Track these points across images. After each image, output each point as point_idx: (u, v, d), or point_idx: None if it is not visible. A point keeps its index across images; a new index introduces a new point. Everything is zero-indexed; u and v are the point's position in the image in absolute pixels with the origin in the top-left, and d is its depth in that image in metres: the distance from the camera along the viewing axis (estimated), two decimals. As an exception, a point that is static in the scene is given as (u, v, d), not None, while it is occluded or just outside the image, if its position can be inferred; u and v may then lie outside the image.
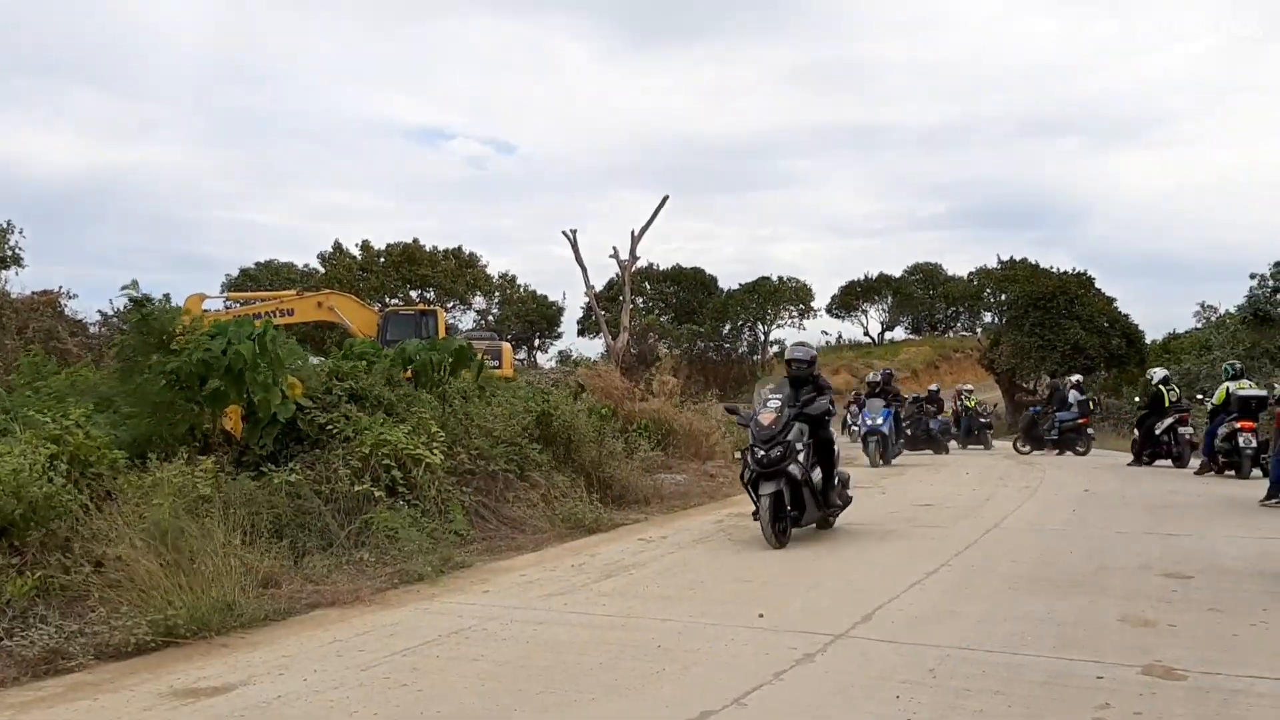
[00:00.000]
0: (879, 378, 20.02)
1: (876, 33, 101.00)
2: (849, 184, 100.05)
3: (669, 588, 6.76)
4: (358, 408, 9.35)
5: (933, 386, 28.94)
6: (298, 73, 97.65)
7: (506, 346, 28.54)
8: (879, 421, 18.12)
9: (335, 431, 8.80)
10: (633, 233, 28.10)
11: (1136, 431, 18.69)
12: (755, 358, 51.01)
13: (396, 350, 11.50)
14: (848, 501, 9.59)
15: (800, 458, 8.48)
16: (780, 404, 8.77)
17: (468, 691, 4.47)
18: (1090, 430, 22.15)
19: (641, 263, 49.46)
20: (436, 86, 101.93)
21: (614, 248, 27.10)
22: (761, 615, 5.82)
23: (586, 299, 37.08)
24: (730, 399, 43.45)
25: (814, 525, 9.10)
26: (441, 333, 27.58)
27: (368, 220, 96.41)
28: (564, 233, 29.78)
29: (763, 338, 51.28)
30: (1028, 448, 22.87)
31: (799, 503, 8.56)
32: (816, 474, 8.80)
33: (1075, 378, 23.66)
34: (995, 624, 5.60)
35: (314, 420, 8.95)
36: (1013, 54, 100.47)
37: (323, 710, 4.26)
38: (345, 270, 47.60)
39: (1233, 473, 14.61)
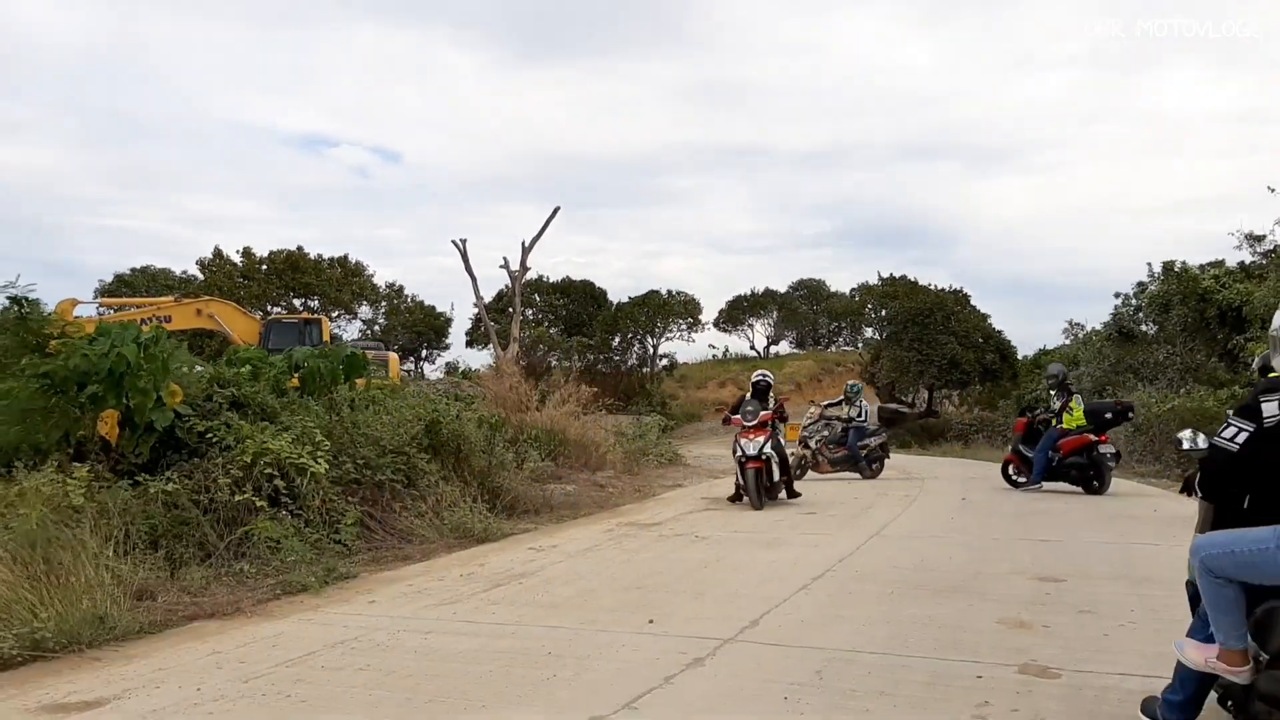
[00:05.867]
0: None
1: (758, 54, 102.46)
2: (733, 202, 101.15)
3: (559, 596, 6.75)
4: (240, 416, 9.11)
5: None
6: (176, 76, 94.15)
7: (393, 356, 28.11)
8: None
9: (215, 440, 8.55)
10: (523, 243, 27.93)
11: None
12: (645, 370, 51.18)
13: (284, 356, 11.26)
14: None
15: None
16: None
17: (354, 701, 4.40)
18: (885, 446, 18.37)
19: (532, 274, 49.18)
20: (320, 94, 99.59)
21: (504, 258, 26.71)
22: (652, 621, 5.86)
23: (476, 309, 36.70)
24: (622, 411, 43.55)
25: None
26: (326, 341, 27.09)
27: (248, 228, 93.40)
28: (453, 242, 29.38)
29: (652, 350, 51.50)
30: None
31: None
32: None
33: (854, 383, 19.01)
34: (878, 627, 5.74)
35: (193, 428, 8.68)
36: (890, 80, 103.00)
37: (203, 723, 4.14)
38: (226, 277, 46.17)
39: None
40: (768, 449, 12.20)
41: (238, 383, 9.59)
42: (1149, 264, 30.11)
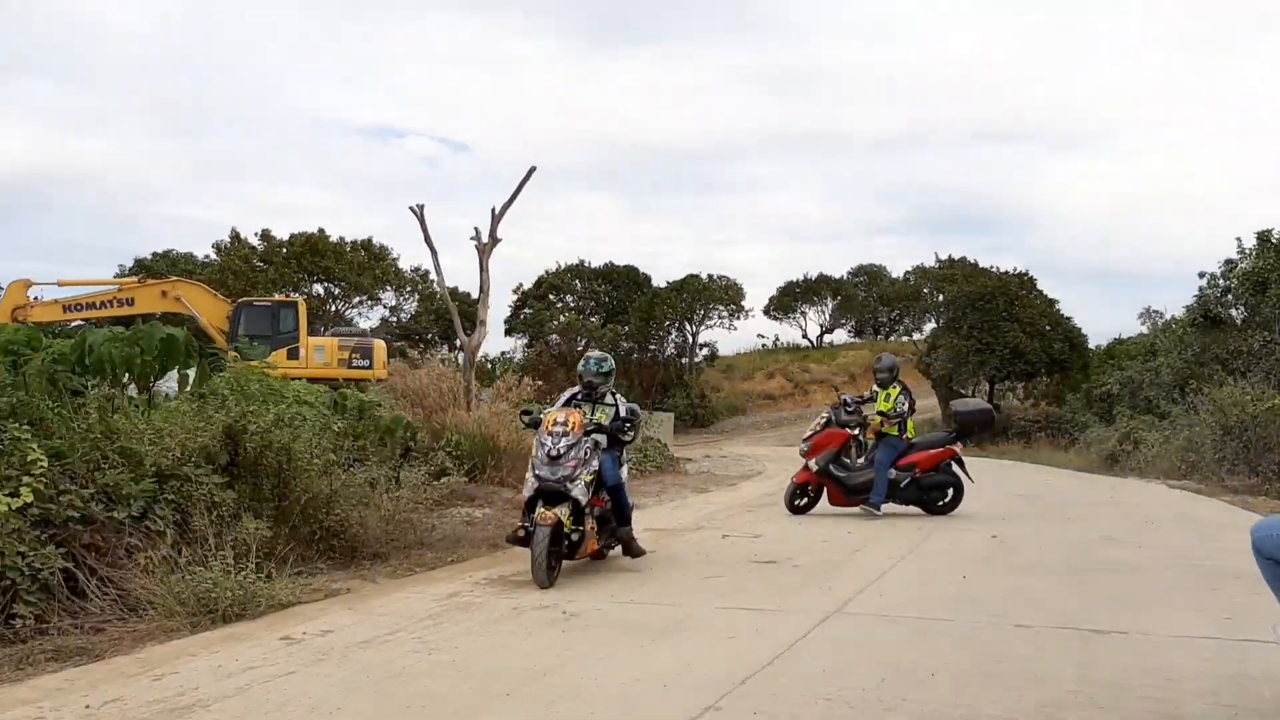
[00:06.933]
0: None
1: (829, 38, 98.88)
2: (804, 188, 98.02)
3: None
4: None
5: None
6: (249, 67, 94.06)
7: (379, 344, 25.56)
8: None
9: None
10: (493, 210, 23.61)
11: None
12: (683, 360, 48.13)
13: (76, 341, 8.47)
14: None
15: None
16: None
17: None
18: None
19: (571, 259, 46.24)
20: (390, 84, 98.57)
21: (475, 229, 22.20)
22: None
23: (437, 289, 33.50)
24: (656, 403, 40.45)
25: None
26: (303, 327, 24.77)
27: (316, 217, 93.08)
28: (411, 209, 25.39)
29: (691, 339, 48.34)
30: None
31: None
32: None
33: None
34: None
35: None
36: (965, 62, 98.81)
37: None
38: (242, 261, 44.10)
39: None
40: None
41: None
42: (1238, 239, 26.23)
